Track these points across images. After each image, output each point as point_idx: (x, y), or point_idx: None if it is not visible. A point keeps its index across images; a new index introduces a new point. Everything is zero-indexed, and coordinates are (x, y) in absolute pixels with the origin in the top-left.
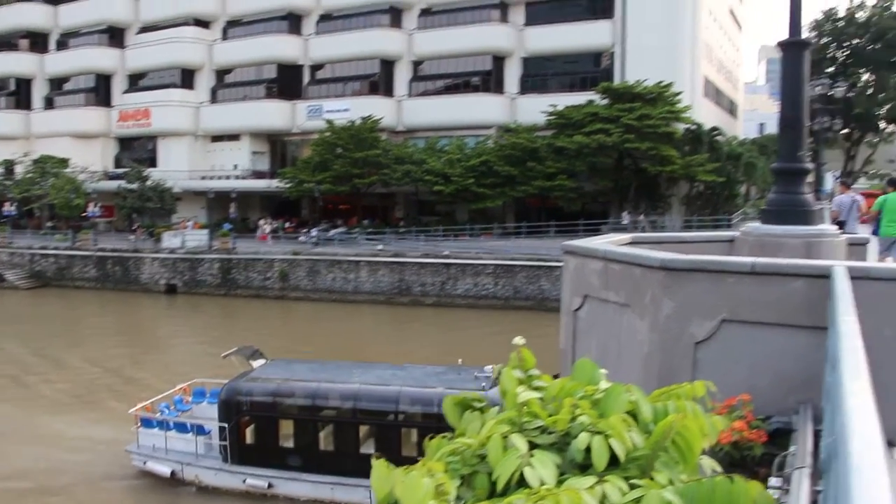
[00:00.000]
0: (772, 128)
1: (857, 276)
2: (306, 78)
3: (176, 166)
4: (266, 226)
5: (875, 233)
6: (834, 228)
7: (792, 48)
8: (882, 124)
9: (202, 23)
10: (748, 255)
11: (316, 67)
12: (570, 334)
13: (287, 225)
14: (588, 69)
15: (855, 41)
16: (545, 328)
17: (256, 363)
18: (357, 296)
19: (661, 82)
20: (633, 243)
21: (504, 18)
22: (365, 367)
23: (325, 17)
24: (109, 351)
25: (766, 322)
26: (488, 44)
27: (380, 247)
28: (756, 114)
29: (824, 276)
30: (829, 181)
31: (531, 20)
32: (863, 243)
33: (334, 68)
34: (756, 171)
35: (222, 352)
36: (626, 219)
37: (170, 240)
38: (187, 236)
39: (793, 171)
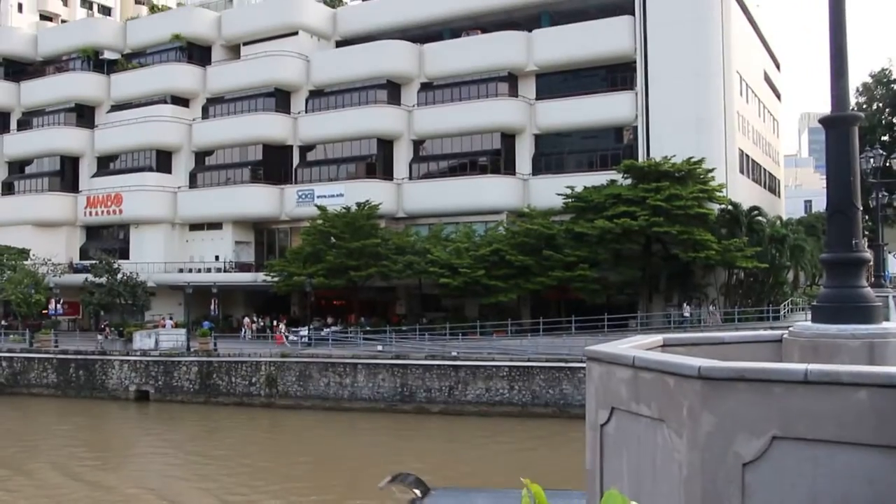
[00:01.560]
0: (819, 205)
1: None
2: (296, 160)
3: (150, 257)
4: (282, 325)
5: None
6: None
7: (837, 124)
8: None
9: (180, 100)
10: (799, 358)
11: (306, 148)
12: (596, 452)
13: (275, 323)
14: (608, 146)
15: None
16: (570, 439)
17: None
18: (354, 403)
19: (690, 158)
20: (665, 346)
21: (513, 92)
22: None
23: (316, 93)
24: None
25: (826, 440)
26: (496, 120)
27: (379, 347)
28: (801, 190)
29: (890, 385)
30: (893, 264)
31: (543, 93)
32: None
33: (327, 149)
34: (804, 255)
35: (221, 471)
36: (686, 311)
37: (142, 340)
38: (162, 336)
39: (846, 262)
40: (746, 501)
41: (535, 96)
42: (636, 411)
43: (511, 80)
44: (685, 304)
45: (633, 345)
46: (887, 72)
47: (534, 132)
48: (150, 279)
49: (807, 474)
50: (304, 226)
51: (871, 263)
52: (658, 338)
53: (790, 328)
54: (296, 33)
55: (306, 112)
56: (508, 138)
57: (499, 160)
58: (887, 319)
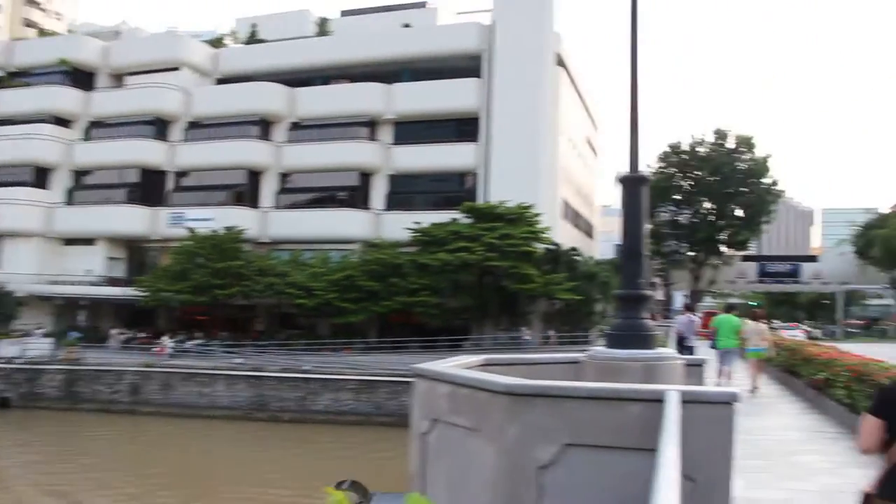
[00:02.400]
0: None
1: (689, 400)
2: (170, 184)
3: (22, 269)
4: (165, 338)
5: (713, 346)
6: (672, 352)
7: (630, 183)
8: (723, 248)
9: (63, 121)
10: (593, 377)
11: (181, 174)
12: (419, 459)
13: (141, 335)
14: (453, 188)
15: (697, 173)
16: (406, 445)
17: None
18: (213, 411)
19: (522, 203)
20: (486, 365)
21: (372, 136)
22: None
23: (194, 124)
24: None
25: (608, 445)
26: (355, 160)
27: (238, 360)
28: (611, 235)
29: (659, 400)
30: (679, 299)
31: (399, 139)
32: (699, 364)
33: (200, 176)
34: (610, 290)
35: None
36: (527, 334)
37: (6, 348)
38: (29, 345)
39: (633, 298)
40: (543, 500)
41: (393, 141)
42: (454, 422)
43: (371, 126)
44: (523, 328)
45: (457, 364)
46: (679, 144)
47: (389, 172)
48: (20, 290)
49: (592, 474)
50: (174, 245)
51: (662, 299)
52: (481, 358)
53: (588, 352)
54: (178, 68)
55: (184, 141)
56: (365, 176)
57: (356, 195)
58: (663, 346)
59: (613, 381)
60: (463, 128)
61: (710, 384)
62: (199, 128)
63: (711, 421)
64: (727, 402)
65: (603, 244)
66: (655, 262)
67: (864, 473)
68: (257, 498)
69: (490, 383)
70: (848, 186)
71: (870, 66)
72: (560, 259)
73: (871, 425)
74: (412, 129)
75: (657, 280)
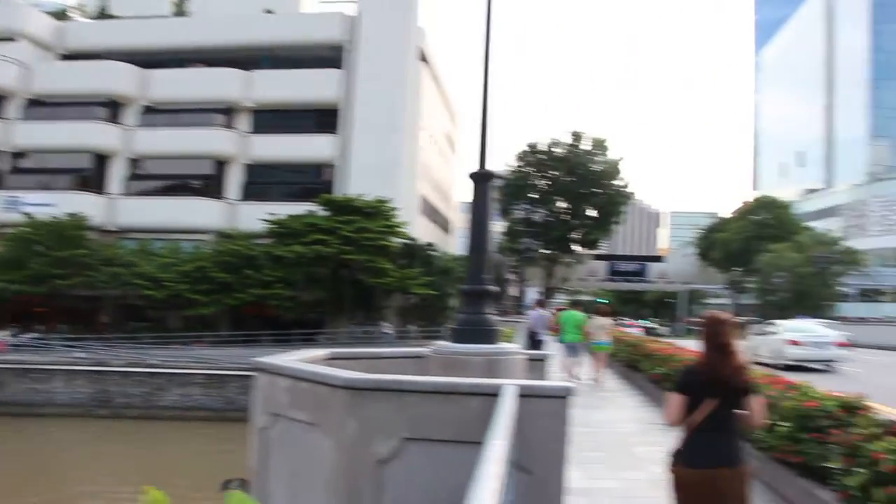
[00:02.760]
0: None
1: (525, 394)
2: (6, 166)
3: None
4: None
5: (559, 341)
6: (514, 347)
7: (479, 179)
8: (576, 247)
9: None
10: (437, 371)
11: (18, 155)
12: (260, 454)
13: None
14: (311, 180)
15: (553, 172)
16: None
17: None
18: (49, 409)
19: (380, 197)
20: (331, 359)
21: (229, 124)
22: None
23: (36, 102)
24: None
25: (447, 439)
26: (211, 147)
27: (79, 354)
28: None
29: (495, 394)
30: (532, 296)
31: (257, 128)
32: (542, 358)
33: (41, 159)
34: None
35: None
36: (388, 328)
37: None
38: None
39: (478, 293)
40: (382, 495)
41: (250, 129)
42: (294, 417)
43: (228, 113)
44: (384, 322)
45: (300, 357)
46: (536, 144)
47: (245, 162)
48: None
49: (431, 468)
50: (9, 232)
51: (517, 295)
52: (326, 351)
53: (432, 347)
54: (14, 39)
55: (23, 120)
56: (221, 165)
57: (210, 184)
58: (509, 341)
59: (456, 375)
60: (323, 119)
61: (557, 377)
62: (41, 106)
63: (547, 414)
64: (562, 396)
65: (460, 240)
66: (510, 259)
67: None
68: (96, 496)
69: (330, 377)
70: (694, 191)
71: (720, 76)
72: (416, 254)
73: (675, 401)
74: (271, 118)
75: (512, 276)
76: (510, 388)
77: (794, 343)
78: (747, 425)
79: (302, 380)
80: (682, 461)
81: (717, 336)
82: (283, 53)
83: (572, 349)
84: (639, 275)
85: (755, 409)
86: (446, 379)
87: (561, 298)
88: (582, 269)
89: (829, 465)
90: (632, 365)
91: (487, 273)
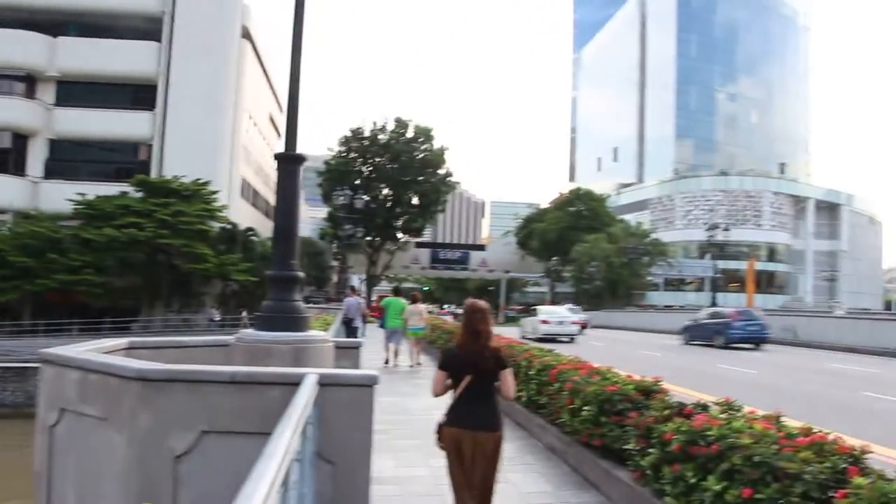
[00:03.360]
0: (305, 231)
1: (328, 383)
2: None
3: None
4: None
5: (382, 325)
6: (323, 334)
7: (286, 162)
8: (399, 234)
9: None
10: (241, 361)
11: None
12: (45, 454)
13: None
14: (125, 159)
15: (377, 159)
16: None
17: None
18: None
19: (198, 180)
20: (130, 349)
21: (31, 94)
22: None
23: None
24: None
25: (248, 431)
26: (8, 119)
27: None
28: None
29: (298, 383)
30: (356, 283)
31: (63, 100)
32: (354, 346)
33: None
34: None
35: None
36: (216, 315)
37: None
38: None
39: (285, 279)
40: (179, 490)
41: (55, 101)
42: (84, 412)
43: (29, 82)
44: (212, 309)
45: (94, 347)
46: (361, 129)
47: (49, 136)
48: None
49: (231, 462)
50: None
51: (338, 281)
52: (124, 341)
53: (237, 335)
54: None
55: None
56: (21, 138)
57: (7, 159)
58: (324, 328)
59: (262, 364)
60: (139, 95)
61: (371, 365)
62: None
63: (351, 403)
64: (367, 384)
65: None
66: (333, 246)
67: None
68: None
69: (121, 368)
70: (516, 182)
71: (542, 72)
72: (236, 239)
73: (438, 377)
74: (81, 91)
75: (335, 263)
76: (311, 377)
77: (545, 322)
78: (502, 396)
79: (92, 371)
80: (447, 423)
81: (473, 323)
82: (92, 20)
83: (394, 334)
84: (461, 263)
85: (507, 383)
86: (246, 368)
87: (385, 286)
88: (405, 257)
89: (627, 447)
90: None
91: (295, 258)
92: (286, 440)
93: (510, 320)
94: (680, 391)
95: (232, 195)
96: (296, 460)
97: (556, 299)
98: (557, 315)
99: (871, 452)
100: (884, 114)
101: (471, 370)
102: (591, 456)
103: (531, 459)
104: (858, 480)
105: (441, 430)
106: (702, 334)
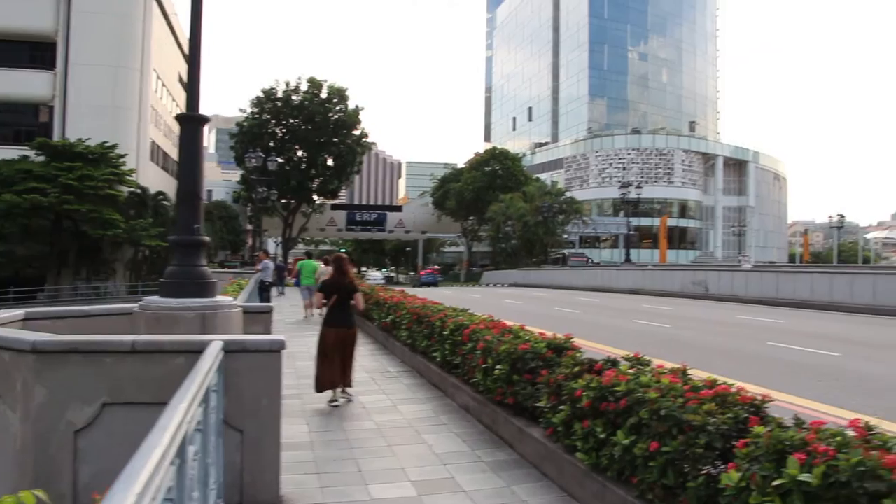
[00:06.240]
0: (219, 195)
1: (233, 350)
2: None
3: None
4: None
5: (297, 284)
6: (230, 300)
7: (189, 122)
8: (315, 197)
9: None
10: (145, 329)
11: None
12: None
13: None
14: (25, 122)
15: (291, 121)
16: None
17: None
18: None
19: (104, 143)
20: (27, 320)
21: None
22: None
23: None
24: None
25: (152, 402)
26: None
27: None
28: (205, 181)
29: (202, 351)
30: (272, 246)
31: None
32: (267, 311)
33: None
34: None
35: None
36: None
37: None
38: None
39: (189, 244)
40: (79, 466)
41: None
42: None
43: None
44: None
45: None
46: (273, 90)
47: None
48: None
49: (134, 434)
50: None
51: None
52: (20, 312)
53: (140, 302)
54: None
55: None
56: None
57: None
58: (236, 294)
59: (167, 332)
60: (37, 53)
61: (287, 325)
62: None
63: (258, 369)
64: (274, 350)
65: None
66: (247, 210)
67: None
68: None
69: (14, 341)
70: (433, 142)
71: (458, 31)
72: (147, 203)
73: (318, 296)
74: None
75: (250, 226)
76: (215, 344)
77: None
78: (356, 308)
79: None
80: (325, 323)
81: (339, 266)
82: None
83: (308, 291)
84: (378, 224)
85: (357, 301)
86: (148, 337)
87: (301, 248)
88: (321, 219)
89: (539, 405)
90: (365, 314)
91: (200, 222)
92: (182, 410)
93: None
94: (595, 347)
95: (141, 158)
96: (197, 430)
97: (472, 259)
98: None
99: (772, 401)
100: (786, 73)
101: (336, 292)
102: (505, 414)
103: (446, 419)
104: (758, 430)
105: (323, 328)
106: None
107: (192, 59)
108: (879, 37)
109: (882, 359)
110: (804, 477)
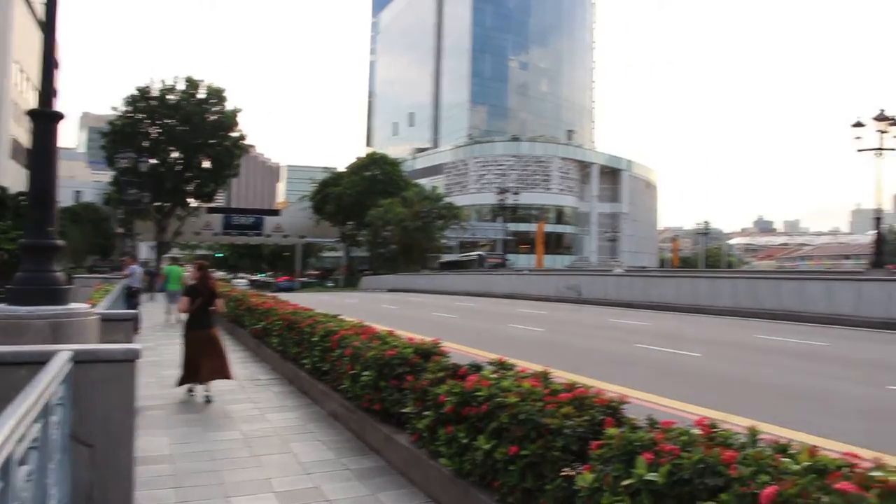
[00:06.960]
0: (89, 196)
1: (84, 360)
2: None
3: None
4: None
5: (162, 290)
6: (86, 307)
7: (42, 119)
8: (190, 200)
9: None
10: None
11: None
12: None
13: None
14: None
15: (167, 120)
16: None
17: None
18: None
19: None
20: None
21: None
22: None
23: None
24: None
25: None
26: None
27: None
28: (73, 181)
29: (46, 362)
30: (144, 251)
31: None
32: (129, 318)
33: None
34: (66, 237)
35: None
36: None
37: None
38: None
39: (42, 248)
40: None
41: None
42: None
43: None
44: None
45: None
46: (149, 88)
47: None
48: None
49: None
50: None
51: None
52: None
53: None
54: None
55: None
56: None
57: None
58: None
59: (14, 342)
60: None
61: (148, 333)
62: None
63: (110, 380)
64: (128, 359)
65: (64, 190)
66: (119, 212)
67: (279, 411)
68: None
69: None
70: (313, 146)
71: (341, 35)
72: (7, 204)
73: (184, 300)
74: None
75: (121, 230)
76: (62, 354)
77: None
78: (217, 311)
79: None
80: (188, 327)
81: (203, 271)
82: None
83: (174, 296)
84: (255, 228)
85: (218, 304)
86: None
87: (175, 253)
88: (197, 223)
89: (405, 410)
90: (236, 320)
91: (53, 225)
92: (8, 428)
93: (305, 286)
94: (467, 351)
95: (1, 156)
96: (31, 448)
97: (351, 264)
98: None
99: (628, 402)
100: (658, 86)
101: (200, 296)
102: (372, 421)
103: (313, 427)
104: (611, 431)
105: (185, 332)
106: None
107: (47, 51)
108: (746, 55)
109: (738, 358)
110: (651, 476)
